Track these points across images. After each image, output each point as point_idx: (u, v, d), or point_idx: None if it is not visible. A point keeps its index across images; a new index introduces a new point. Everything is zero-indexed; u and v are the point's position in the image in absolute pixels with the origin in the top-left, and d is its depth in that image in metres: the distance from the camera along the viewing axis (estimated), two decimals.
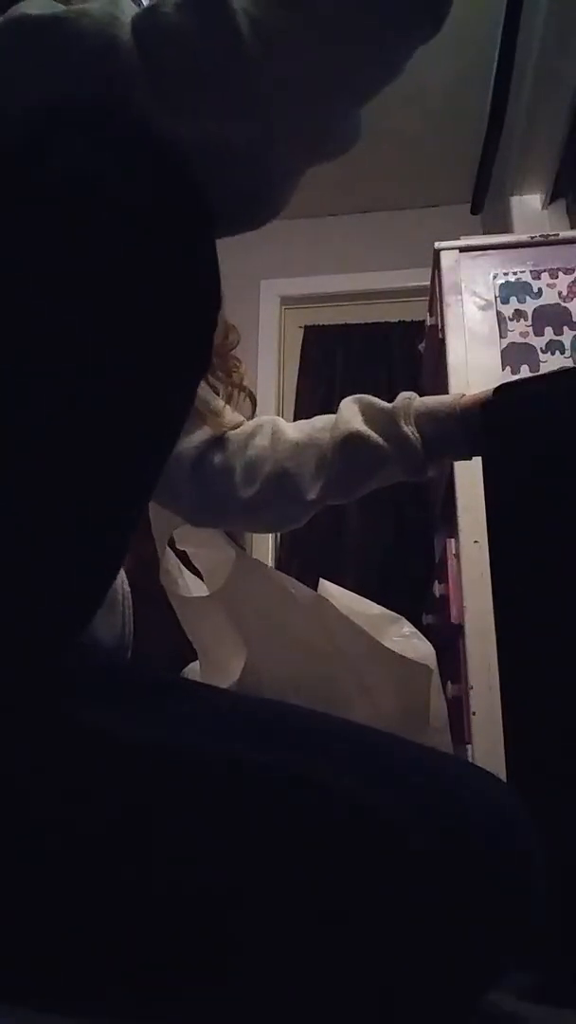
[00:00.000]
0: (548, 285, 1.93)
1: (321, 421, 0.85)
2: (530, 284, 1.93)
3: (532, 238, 2.00)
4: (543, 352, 1.87)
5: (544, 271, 1.94)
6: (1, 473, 0.43)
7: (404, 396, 0.83)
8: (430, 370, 2.24)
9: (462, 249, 2.00)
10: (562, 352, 1.86)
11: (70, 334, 0.44)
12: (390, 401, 0.83)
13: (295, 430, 0.85)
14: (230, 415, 0.88)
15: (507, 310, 1.91)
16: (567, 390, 0.77)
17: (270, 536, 2.94)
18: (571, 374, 0.81)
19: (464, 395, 0.82)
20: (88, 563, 0.45)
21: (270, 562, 2.87)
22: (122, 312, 0.44)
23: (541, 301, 1.92)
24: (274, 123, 0.49)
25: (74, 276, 0.44)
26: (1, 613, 0.43)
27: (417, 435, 0.80)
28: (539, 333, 1.89)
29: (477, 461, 0.80)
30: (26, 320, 0.44)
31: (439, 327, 1.98)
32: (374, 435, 0.81)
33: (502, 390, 0.80)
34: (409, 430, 0.80)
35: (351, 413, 0.83)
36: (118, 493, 0.46)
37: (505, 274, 1.95)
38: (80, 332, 0.44)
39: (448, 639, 1.78)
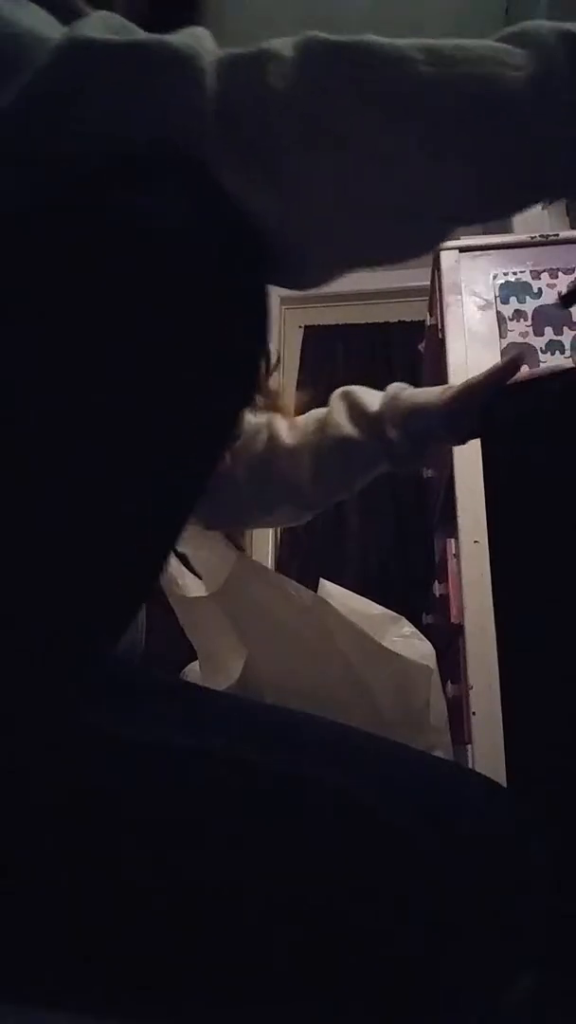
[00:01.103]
0: (548, 285, 1.93)
1: (313, 423, 0.87)
2: (530, 284, 1.93)
3: (532, 238, 1.99)
4: (543, 352, 1.87)
5: (544, 271, 1.94)
6: (34, 485, 0.43)
7: (391, 396, 0.85)
8: (430, 370, 2.24)
9: (462, 249, 2.00)
10: (562, 352, 1.86)
11: (128, 367, 0.43)
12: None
13: (289, 434, 0.87)
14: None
15: (507, 310, 1.91)
16: (567, 390, 0.77)
17: (270, 537, 2.93)
18: (570, 373, 0.81)
19: (450, 386, 0.84)
20: (122, 581, 0.46)
21: (270, 562, 2.87)
22: (177, 351, 0.44)
23: (541, 301, 1.92)
24: (322, 229, 0.48)
25: (130, 319, 0.43)
26: (21, 629, 0.43)
27: (404, 436, 0.82)
28: (539, 333, 1.89)
29: (477, 461, 0.80)
30: (86, 356, 0.43)
31: (439, 327, 1.98)
32: (364, 439, 0.83)
33: (501, 392, 0.80)
34: (395, 433, 0.82)
35: (340, 416, 0.85)
36: (151, 519, 0.47)
37: (505, 274, 1.95)
38: (138, 365, 0.44)
39: (448, 639, 1.77)
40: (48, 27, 0.48)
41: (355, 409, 0.85)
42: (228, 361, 0.47)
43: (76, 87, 0.45)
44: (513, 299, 1.92)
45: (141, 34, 0.46)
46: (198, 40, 0.46)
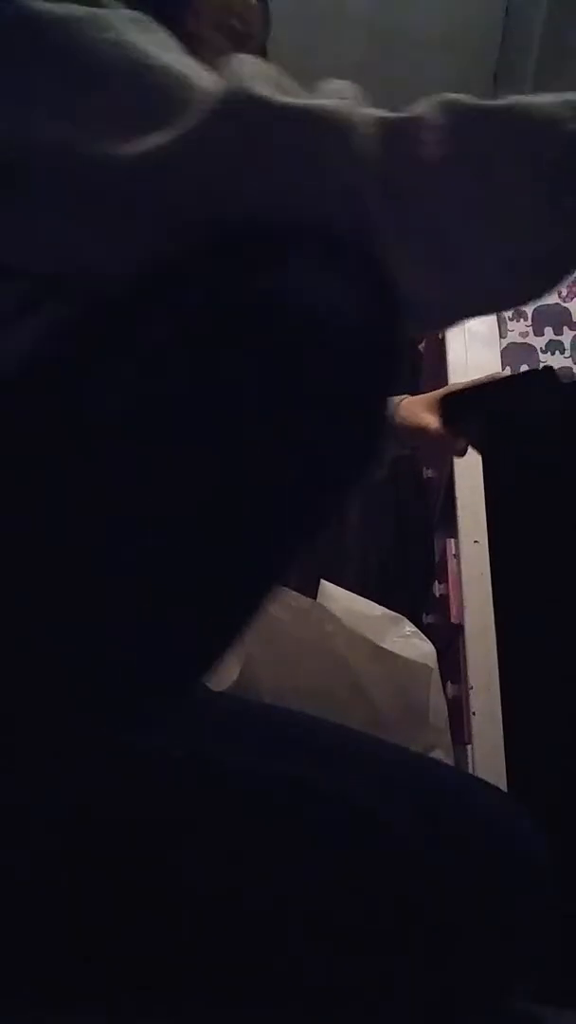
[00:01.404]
0: None
1: None
2: None
3: None
4: (543, 352, 1.86)
5: None
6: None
7: None
8: (430, 370, 2.24)
9: None
10: (562, 352, 1.86)
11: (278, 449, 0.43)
12: None
13: None
14: None
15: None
16: (566, 395, 0.77)
17: None
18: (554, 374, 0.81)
19: (406, 399, 0.88)
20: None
21: None
22: (319, 435, 0.44)
23: (540, 301, 1.92)
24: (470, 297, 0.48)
25: (281, 402, 0.42)
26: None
27: None
28: (539, 333, 1.88)
29: (477, 461, 0.80)
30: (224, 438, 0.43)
31: None
32: None
33: (496, 394, 0.80)
34: None
35: None
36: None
37: None
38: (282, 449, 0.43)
39: (448, 639, 1.77)
40: (176, 58, 0.46)
41: None
42: (365, 450, 0.47)
43: (246, 150, 0.43)
44: None
45: (292, 85, 0.45)
46: (350, 105, 0.45)
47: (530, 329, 1.89)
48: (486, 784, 0.50)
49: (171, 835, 0.43)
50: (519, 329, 1.89)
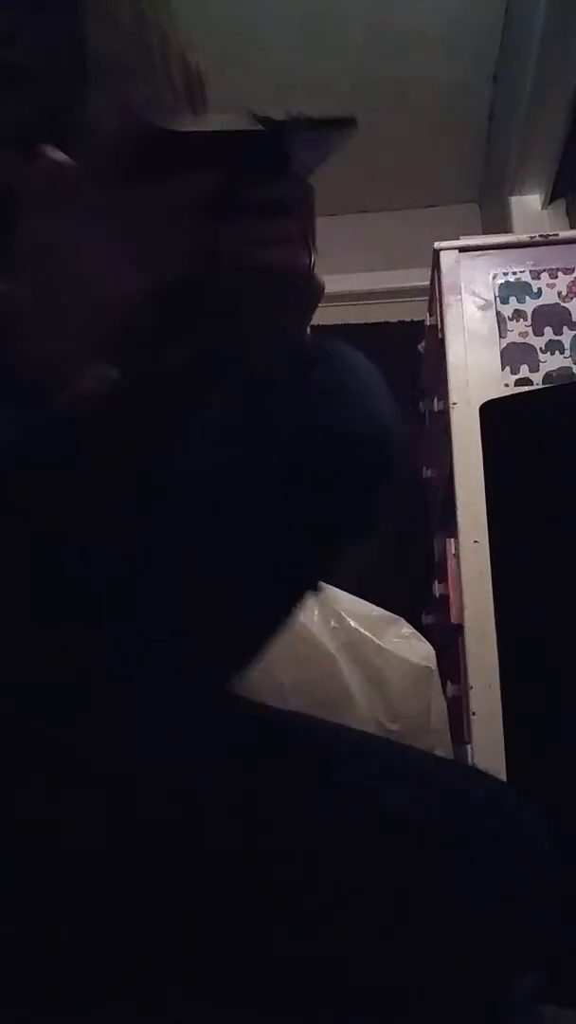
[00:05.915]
0: (548, 285, 1.93)
1: None
2: (529, 284, 1.93)
3: (531, 238, 1.99)
4: (543, 352, 1.87)
5: (543, 271, 1.94)
6: None
7: None
8: (430, 370, 2.24)
9: (462, 249, 1.99)
10: (562, 352, 1.86)
11: None
12: None
13: None
14: None
15: (507, 310, 1.91)
16: (566, 400, 0.77)
17: None
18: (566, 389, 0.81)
19: None
20: None
21: None
22: None
23: (540, 301, 1.92)
24: None
25: None
26: None
27: None
28: (539, 333, 1.88)
29: (477, 461, 0.80)
30: None
31: (439, 327, 1.98)
32: None
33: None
34: None
35: None
36: None
37: (504, 274, 1.95)
38: None
39: (448, 639, 1.78)
40: None
41: None
42: None
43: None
44: (513, 299, 1.92)
45: None
46: None
47: (530, 329, 1.89)
48: (487, 776, 0.50)
49: (175, 838, 0.43)
50: (519, 329, 1.89)
